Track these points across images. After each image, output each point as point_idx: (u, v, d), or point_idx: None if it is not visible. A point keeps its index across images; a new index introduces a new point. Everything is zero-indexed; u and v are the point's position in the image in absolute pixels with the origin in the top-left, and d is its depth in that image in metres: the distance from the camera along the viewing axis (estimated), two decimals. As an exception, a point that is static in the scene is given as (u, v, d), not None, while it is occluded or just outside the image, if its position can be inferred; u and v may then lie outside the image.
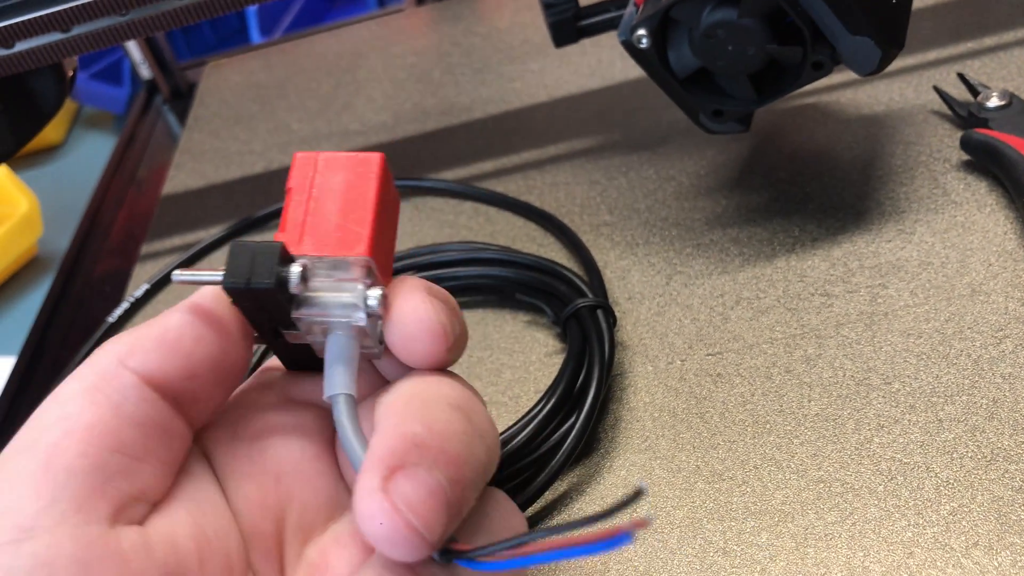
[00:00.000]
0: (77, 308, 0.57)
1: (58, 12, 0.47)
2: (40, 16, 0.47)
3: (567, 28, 0.48)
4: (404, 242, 0.50)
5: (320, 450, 0.25)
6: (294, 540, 0.24)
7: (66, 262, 0.62)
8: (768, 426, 0.35)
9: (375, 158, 0.24)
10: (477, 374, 0.40)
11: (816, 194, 0.45)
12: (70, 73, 0.54)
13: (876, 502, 0.32)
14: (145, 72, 0.78)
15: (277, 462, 0.24)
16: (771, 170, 0.47)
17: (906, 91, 0.49)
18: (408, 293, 0.23)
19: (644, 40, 0.40)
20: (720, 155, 0.49)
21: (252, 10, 1.12)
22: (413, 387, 0.23)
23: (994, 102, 0.44)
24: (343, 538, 0.24)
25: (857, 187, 0.44)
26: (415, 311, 0.23)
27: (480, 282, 0.42)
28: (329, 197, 0.24)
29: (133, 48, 0.77)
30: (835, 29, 0.38)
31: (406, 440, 0.20)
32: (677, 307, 0.41)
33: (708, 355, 0.38)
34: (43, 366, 0.54)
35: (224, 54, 0.80)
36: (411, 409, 0.22)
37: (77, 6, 0.47)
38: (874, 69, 0.40)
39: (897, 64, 0.50)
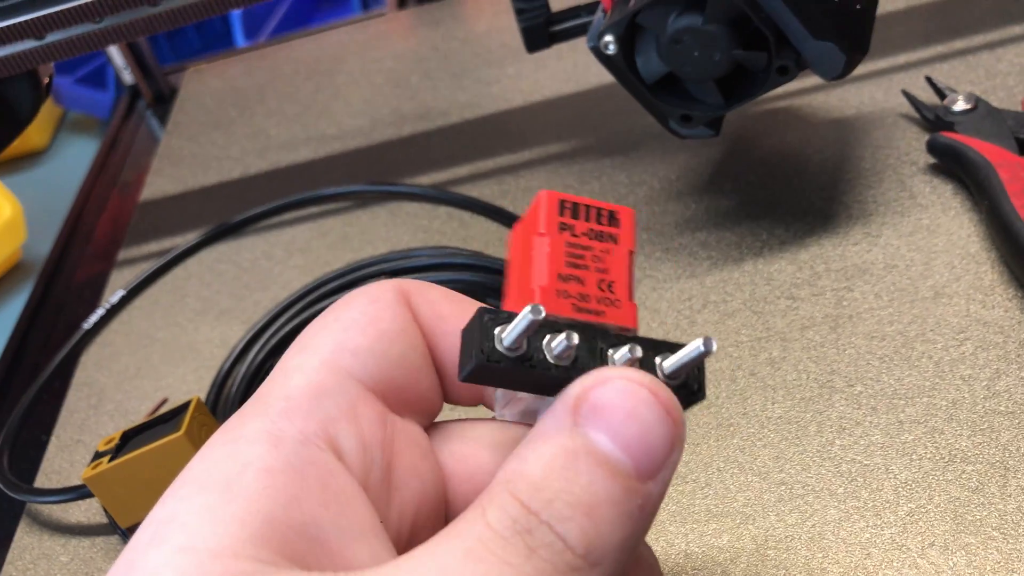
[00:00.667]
0: (58, 313, 0.58)
1: (32, 20, 0.47)
2: (13, 24, 0.47)
3: (539, 33, 0.48)
4: (378, 247, 0.50)
5: None
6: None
7: (47, 267, 0.62)
8: (732, 428, 0.35)
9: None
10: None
11: (785, 198, 0.45)
12: (46, 80, 0.54)
13: (836, 504, 0.32)
14: (127, 77, 0.79)
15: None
16: (741, 174, 0.47)
17: (875, 94, 0.49)
18: None
19: (611, 46, 0.40)
20: (691, 159, 0.49)
21: (236, 14, 1.12)
22: None
23: (960, 106, 0.45)
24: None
25: (825, 190, 0.45)
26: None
27: (452, 287, 0.43)
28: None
29: (115, 53, 0.77)
30: (799, 34, 0.38)
31: None
32: (645, 311, 0.41)
33: (675, 358, 0.39)
34: (23, 371, 0.54)
35: (206, 59, 0.80)
36: None
37: (51, 13, 0.47)
38: (839, 74, 0.40)
39: (866, 67, 0.51)
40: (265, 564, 0.17)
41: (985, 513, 0.31)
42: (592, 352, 0.20)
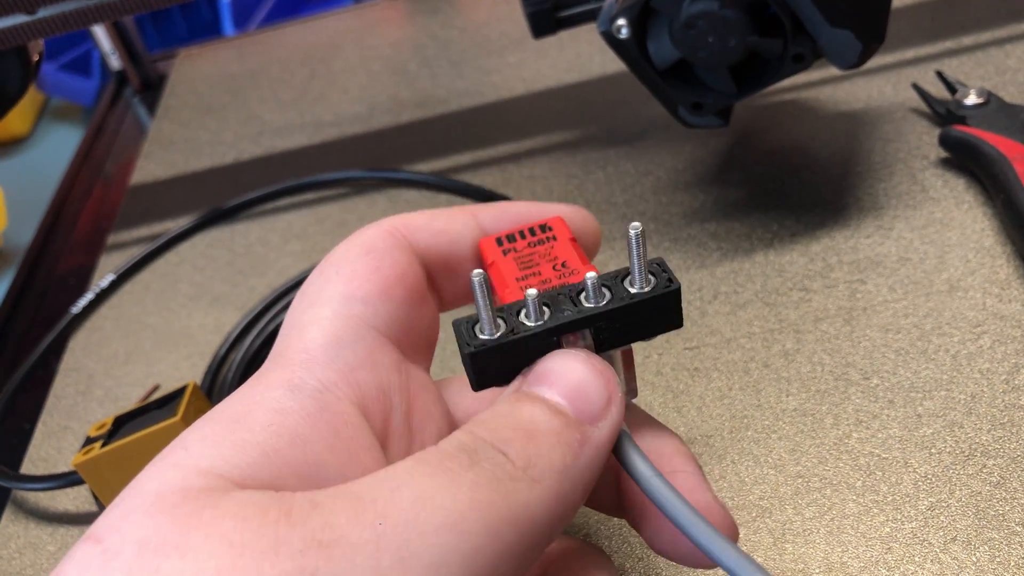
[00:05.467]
0: (41, 301, 0.56)
1: (23, -7, 0.46)
2: (4, -3, 0.46)
3: (546, 18, 0.47)
4: (378, 234, 0.49)
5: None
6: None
7: (30, 254, 0.60)
8: (746, 421, 0.35)
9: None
10: (444, 375, 0.40)
11: (794, 190, 0.44)
12: (36, 57, 0.52)
13: (855, 497, 0.31)
14: (115, 63, 0.77)
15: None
16: (750, 165, 0.47)
17: (885, 89, 0.49)
18: None
19: (624, 30, 0.39)
20: (699, 150, 0.48)
21: (226, 3, 1.11)
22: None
23: (972, 100, 0.44)
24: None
25: (836, 183, 0.44)
26: None
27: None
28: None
29: (103, 38, 0.75)
30: (816, 21, 0.38)
31: None
32: (654, 301, 0.40)
33: (685, 349, 0.38)
34: (4, 358, 0.52)
35: (197, 45, 0.78)
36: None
37: (43, -13, 0.46)
38: (854, 63, 0.40)
39: (876, 62, 0.50)
40: (246, 487, 0.18)
41: (1008, 508, 0.30)
42: (561, 301, 0.22)
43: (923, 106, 0.47)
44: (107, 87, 0.78)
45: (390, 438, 0.22)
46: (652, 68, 0.41)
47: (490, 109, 0.57)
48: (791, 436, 0.34)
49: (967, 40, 0.50)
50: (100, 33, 0.75)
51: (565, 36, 0.49)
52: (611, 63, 0.44)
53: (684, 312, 0.40)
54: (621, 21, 0.39)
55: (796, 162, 0.46)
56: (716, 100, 0.42)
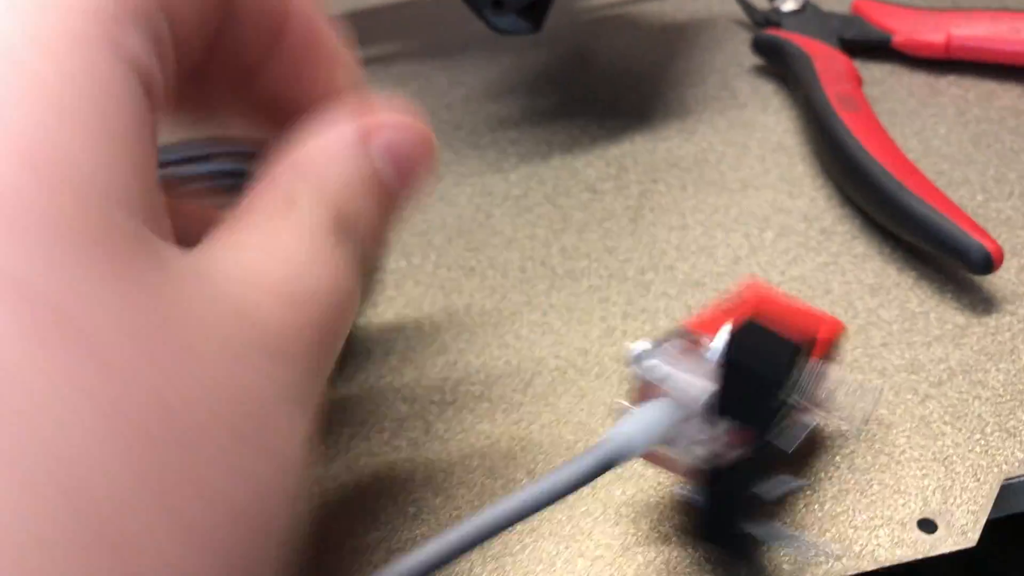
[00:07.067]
0: None
1: None
2: None
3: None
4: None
5: None
6: None
7: None
8: (513, 316, 0.32)
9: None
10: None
11: (605, 98, 0.42)
12: None
13: (598, 384, 0.29)
14: None
15: None
16: (565, 76, 0.45)
17: (711, 2, 0.47)
18: None
19: (410, -84, 0.37)
20: (516, 61, 0.46)
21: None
22: None
23: (789, 6, 0.43)
24: None
25: (647, 91, 0.42)
26: None
27: (223, 182, 0.39)
28: None
29: None
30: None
31: None
32: (443, 204, 0.38)
33: (466, 250, 0.36)
34: None
35: None
36: None
37: None
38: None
39: (703, -24, 0.49)
40: None
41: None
42: None
43: (746, 17, 0.45)
44: None
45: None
46: (446, -39, 0.39)
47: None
48: (556, 329, 0.32)
49: (798, -44, 0.49)
50: None
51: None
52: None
53: (472, 215, 0.37)
54: (406, -94, 0.37)
55: (612, 73, 0.44)
56: (514, -3, 0.39)
